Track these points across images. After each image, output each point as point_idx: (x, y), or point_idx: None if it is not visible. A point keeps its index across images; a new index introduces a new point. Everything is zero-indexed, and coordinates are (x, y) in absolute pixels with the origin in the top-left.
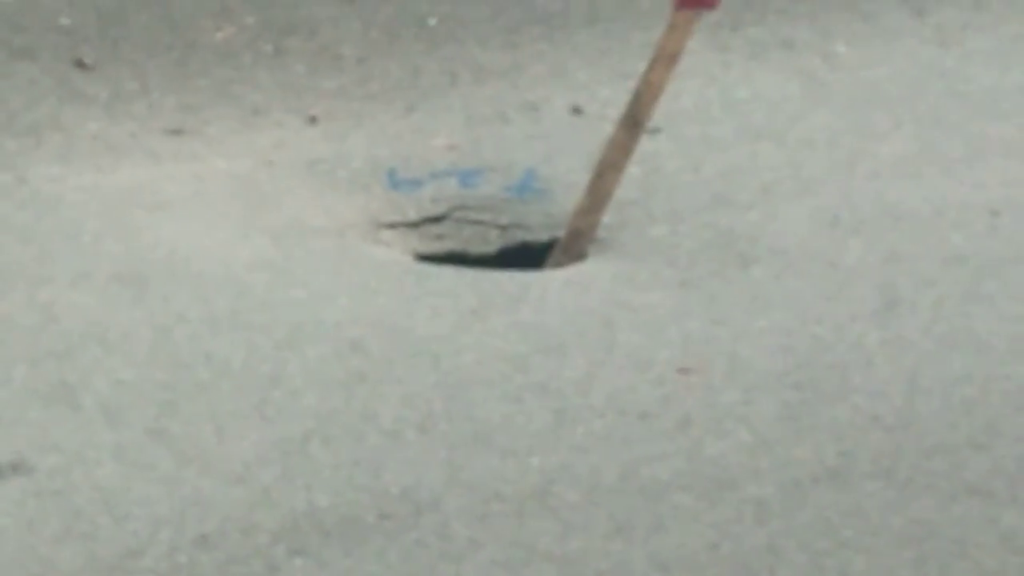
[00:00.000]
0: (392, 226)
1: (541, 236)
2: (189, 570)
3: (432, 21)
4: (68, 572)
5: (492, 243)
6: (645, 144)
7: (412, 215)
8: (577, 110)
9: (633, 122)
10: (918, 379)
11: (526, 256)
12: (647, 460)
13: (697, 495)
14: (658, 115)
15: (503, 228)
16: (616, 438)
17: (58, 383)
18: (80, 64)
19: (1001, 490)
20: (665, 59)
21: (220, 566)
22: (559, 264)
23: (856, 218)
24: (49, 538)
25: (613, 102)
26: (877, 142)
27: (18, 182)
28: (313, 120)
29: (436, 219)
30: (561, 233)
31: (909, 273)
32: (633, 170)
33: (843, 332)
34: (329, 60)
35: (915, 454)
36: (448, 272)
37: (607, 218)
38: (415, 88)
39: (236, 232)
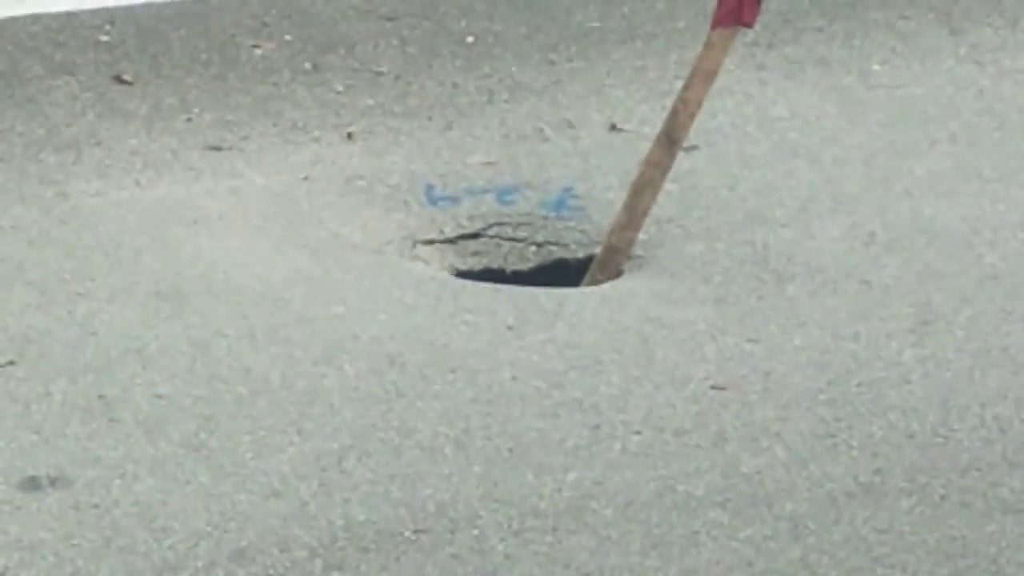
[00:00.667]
0: (429, 242)
1: (577, 253)
2: None
3: (470, 39)
4: None
5: (529, 260)
6: (681, 161)
7: (449, 232)
8: (614, 127)
9: (670, 139)
10: (953, 397)
11: (562, 273)
12: (683, 476)
13: (732, 512)
14: (695, 133)
15: (540, 245)
16: (651, 454)
17: (97, 398)
18: (120, 80)
19: None
20: (702, 77)
21: None
22: (596, 281)
23: (891, 236)
24: (88, 552)
25: (650, 120)
26: (912, 160)
27: (58, 197)
28: (351, 137)
29: (473, 236)
30: (597, 250)
31: (944, 291)
32: (670, 187)
33: (878, 349)
34: (367, 77)
35: (950, 471)
36: (485, 289)
37: (643, 235)
38: (453, 105)
39: (274, 248)
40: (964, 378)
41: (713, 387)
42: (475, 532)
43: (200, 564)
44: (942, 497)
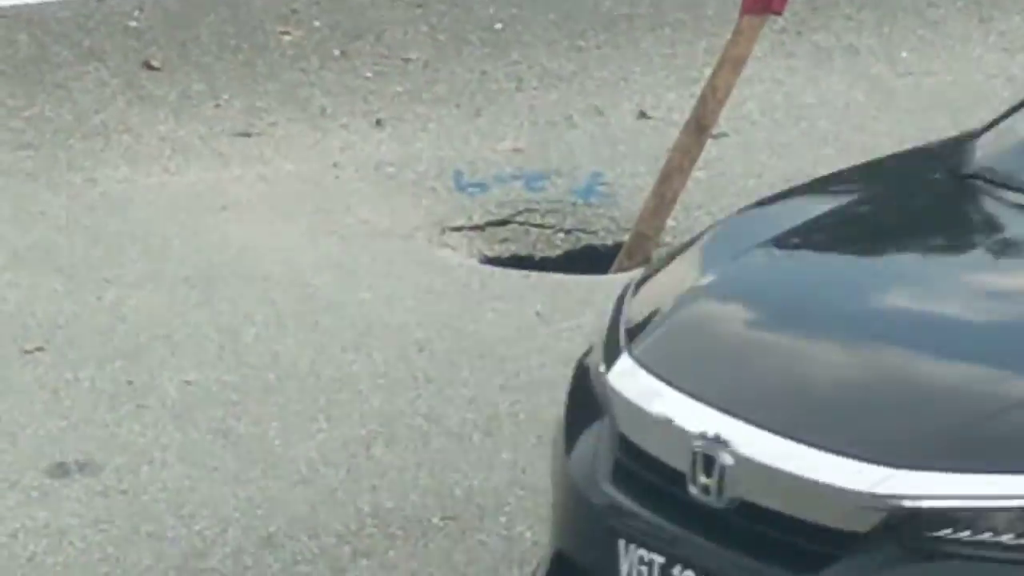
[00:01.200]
0: (457, 229)
1: (606, 240)
2: (255, 570)
3: (498, 25)
4: (135, 571)
5: (557, 247)
6: (710, 148)
7: (477, 218)
8: (643, 114)
9: (698, 127)
10: None
11: (591, 260)
12: None
13: None
14: (723, 120)
15: (568, 232)
16: None
17: (125, 384)
18: (148, 66)
19: None
20: (731, 64)
21: (286, 567)
22: (624, 268)
23: None
24: (116, 537)
25: (678, 107)
26: None
27: (87, 183)
28: (379, 123)
29: (501, 222)
30: (626, 237)
31: None
32: (698, 174)
33: None
34: (396, 64)
35: None
36: (514, 275)
37: (672, 222)
38: (481, 92)
39: (303, 234)
40: None
41: None
42: (503, 519)
43: (228, 550)
44: None
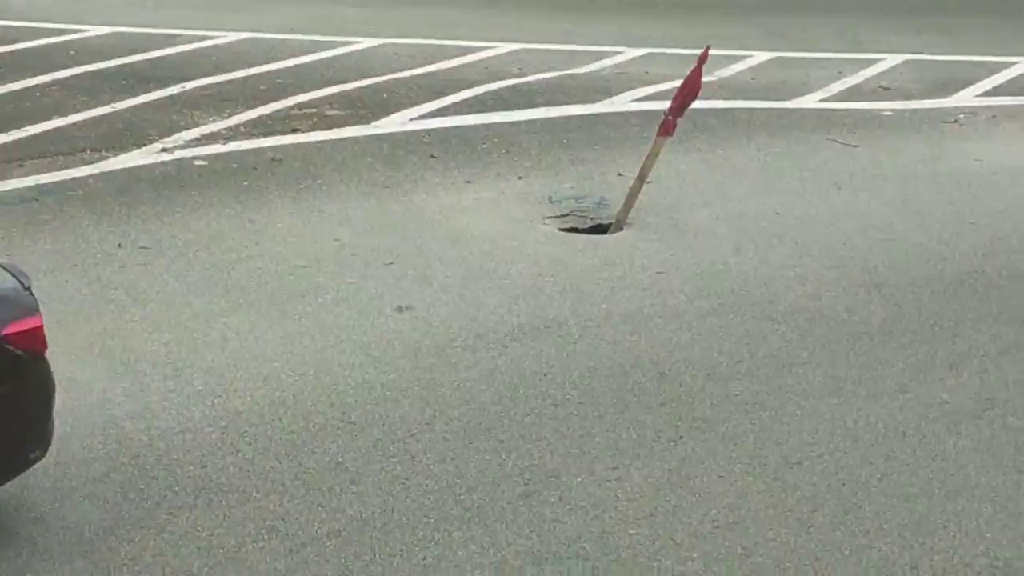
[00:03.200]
0: (550, 217)
1: (605, 222)
2: None
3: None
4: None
5: (589, 222)
6: (646, 188)
7: (559, 212)
8: (620, 174)
9: (640, 176)
10: None
11: (601, 229)
12: None
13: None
14: (651, 176)
15: (592, 219)
16: None
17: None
18: None
19: None
20: (652, 156)
21: None
22: (615, 231)
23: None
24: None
25: (634, 170)
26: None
27: None
28: (520, 178)
29: (566, 215)
30: (613, 222)
31: None
32: (642, 198)
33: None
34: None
35: None
36: (571, 236)
37: (632, 213)
38: (559, 166)
39: (501, 223)
40: None
41: None
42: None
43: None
44: None
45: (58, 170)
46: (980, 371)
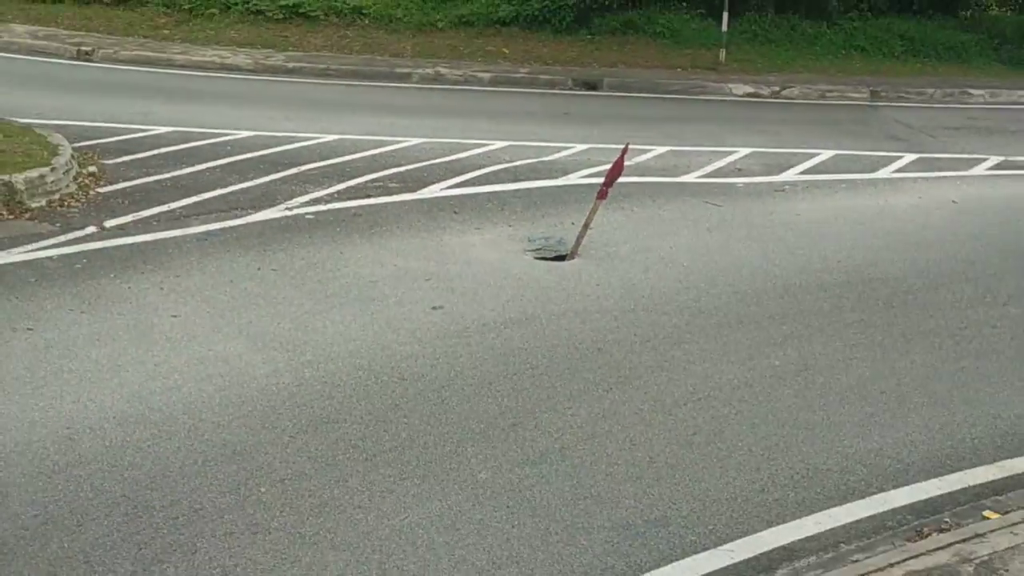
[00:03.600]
0: (527, 251)
1: (564, 253)
2: None
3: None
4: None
5: (553, 254)
6: (591, 233)
7: (531, 247)
8: (573, 223)
9: (584, 225)
10: None
11: (562, 257)
12: None
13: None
14: (593, 224)
15: (556, 251)
16: None
17: None
18: None
19: None
20: (592, 211)
21: None
22: (571, 258)
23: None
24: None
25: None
26: None
27: None
28: (510, 226)
29: (537, 249)
30: (571, 251)
31: None
32: (591, 232)
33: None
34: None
35: None
36: (540, 262)
37: (586, 240)
38: (533, 220)
39: (500, 253)
40: None
41: None
42: None
43: None
44: None
45: (220, 221)
46: (798, 347)
